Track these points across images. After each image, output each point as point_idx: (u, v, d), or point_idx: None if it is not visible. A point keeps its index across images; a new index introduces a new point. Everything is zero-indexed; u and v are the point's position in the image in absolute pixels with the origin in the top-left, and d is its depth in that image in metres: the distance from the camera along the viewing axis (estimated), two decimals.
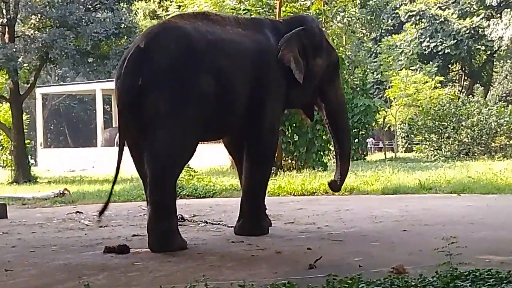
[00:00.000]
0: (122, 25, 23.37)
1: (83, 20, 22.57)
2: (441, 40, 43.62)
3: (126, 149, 7.48)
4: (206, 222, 9.86)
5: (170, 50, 7.56)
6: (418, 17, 44.81)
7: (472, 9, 46.27)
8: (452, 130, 28.71)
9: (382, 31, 44.86)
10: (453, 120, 29.17)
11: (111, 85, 38.09)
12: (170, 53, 7.55)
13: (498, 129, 28.26)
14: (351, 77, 34.99)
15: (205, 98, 7.61)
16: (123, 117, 7.59)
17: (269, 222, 9.00)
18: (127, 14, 24.60)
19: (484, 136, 28.18)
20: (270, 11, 22.63)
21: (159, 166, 7.46)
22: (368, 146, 37.35)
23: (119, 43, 23.94)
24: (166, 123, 7.42)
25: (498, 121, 28.45)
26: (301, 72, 8.58)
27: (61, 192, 15.58)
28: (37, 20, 23.12)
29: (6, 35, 22.46)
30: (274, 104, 8.52)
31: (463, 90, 47.45)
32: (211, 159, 27.96)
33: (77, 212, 12.13)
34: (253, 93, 8.18)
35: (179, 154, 7.65)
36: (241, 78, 8.06)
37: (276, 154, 19.64)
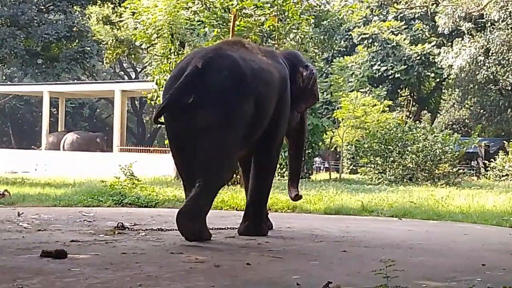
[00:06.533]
0: (74, 28, 23.24)
1: (34, 21, 22.39)
2: (391, 64, 44.10)
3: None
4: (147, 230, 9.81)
5: (224, 75, 8.68)
6: (370, 40, 45.29)
7: (424, 36, 46.90)
8: (397, 155, 28.95)
9: (334, 51, 45.15)
10: (399, 145, 29.44)
11: (59, 87, 37.99)
12: (223, 78, 8.67)
13: (443, 156, 28.55)
14: None
15: (246, 121, 8.81)
16: (170, 125, 8.89)
17: (210, 235, 9.06)
18: (80, 17, 24.49)
19: (428, 163, 28.46)
20: (224, 24, 22.60)
21: (210, 174, 8.59)
22: (316, 165, 37.39)
23: (70, 46, 23.78)
24: (217, 137, 8.52)
25: (443, 148, 28.75)
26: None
27: (1, 193, 15.33)
28: None
29: None
30: (284, 124, 9.85)
31: (410, 116, 47.94)
32: (155, 168, 27.81)
33: (18, 213, 11.92)
34: (273, 115, 9.40)
35: (226, 165, 8.84)
36: (271, 103, 9.29)
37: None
